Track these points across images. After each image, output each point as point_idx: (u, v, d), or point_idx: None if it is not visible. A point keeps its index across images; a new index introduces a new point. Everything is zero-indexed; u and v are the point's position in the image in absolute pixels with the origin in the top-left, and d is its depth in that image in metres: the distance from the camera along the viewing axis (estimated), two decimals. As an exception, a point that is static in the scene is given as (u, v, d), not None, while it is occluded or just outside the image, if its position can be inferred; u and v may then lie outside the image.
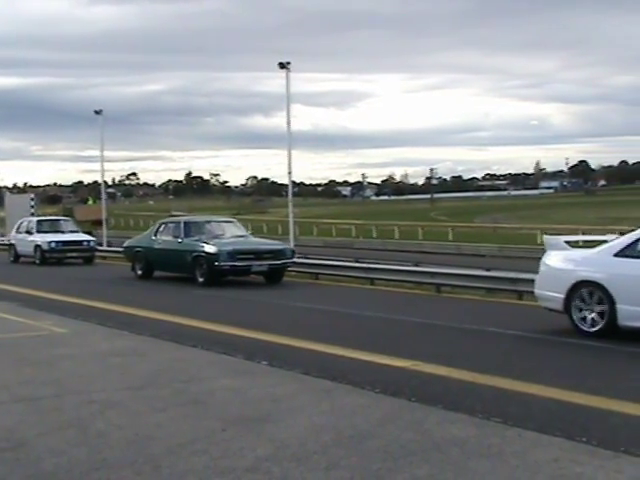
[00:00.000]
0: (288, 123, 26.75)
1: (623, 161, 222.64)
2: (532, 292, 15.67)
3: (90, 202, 59.15)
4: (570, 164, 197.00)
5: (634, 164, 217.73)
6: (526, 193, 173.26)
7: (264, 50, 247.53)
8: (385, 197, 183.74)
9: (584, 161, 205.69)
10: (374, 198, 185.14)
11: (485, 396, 7.31)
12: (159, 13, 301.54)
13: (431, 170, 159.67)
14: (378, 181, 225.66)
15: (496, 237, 40.12)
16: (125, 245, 23.19)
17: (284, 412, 6.66)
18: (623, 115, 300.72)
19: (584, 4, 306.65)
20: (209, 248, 18.83)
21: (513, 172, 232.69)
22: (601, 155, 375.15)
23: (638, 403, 6.93)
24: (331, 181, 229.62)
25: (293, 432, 6.02)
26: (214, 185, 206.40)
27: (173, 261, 19.99)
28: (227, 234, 20.36)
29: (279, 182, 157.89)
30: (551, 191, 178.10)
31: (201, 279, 18.73)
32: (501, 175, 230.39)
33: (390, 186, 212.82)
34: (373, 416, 6.51)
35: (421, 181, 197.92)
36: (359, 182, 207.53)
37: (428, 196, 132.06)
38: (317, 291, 17.92)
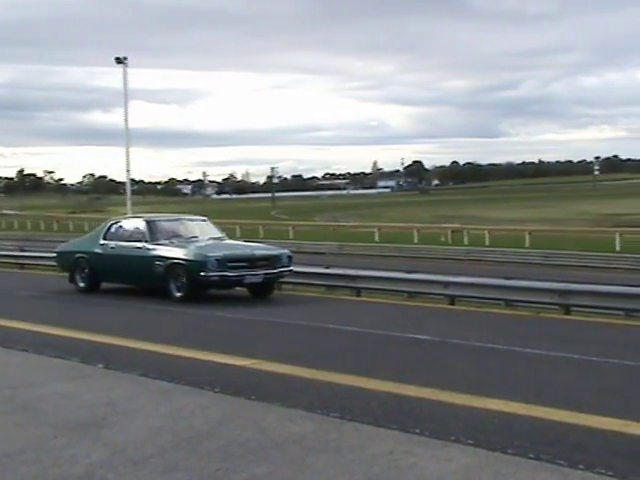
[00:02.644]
0: (126, 119, 26.24)
1: (454, 162, 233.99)
2: (370, 288, 16.18)
3: None
4: (405, 164, 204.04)
5: (464, 165, 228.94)
6: (364, 192, 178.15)
7: (103, 44, 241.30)
8: (226, 195, 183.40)
9: (419, 161, 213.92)
10: (215, 196, 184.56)
11: (324, 392, 7.41)
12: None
13: (272, 169, 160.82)
14: (219, 179, 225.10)
15: (336, 235, 40.89)
16: (59, 250, 18.89)
17: (120, 416, 6.47)
18: (455, 118, 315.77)
19: (422, 10, 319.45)
20: (191, 254, 15.22)
21: (352, 171, 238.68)
22: (434, 156, 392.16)
23: (467, 394, 7.24)
24: (171, 179, 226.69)
25: (130, 436, 5.86)
26: (48, 183, 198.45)
27: (135, 271, 16.03)
28: (202, 236, 16.58)
29: (118, 180, 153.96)
30: (388, 190, 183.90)
31: (178, 293, 15.01)
32: (340, 174, 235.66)
33: (231, 185, 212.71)
34: (212, 416, 6.44)
35: (262, 180, 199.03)
36: (200, 180, 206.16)
37: (269, 195, 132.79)
38: (155, 291, 17.51)
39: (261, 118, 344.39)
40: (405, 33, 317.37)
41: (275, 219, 67.90)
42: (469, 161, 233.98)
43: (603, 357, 9.14)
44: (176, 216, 18.71)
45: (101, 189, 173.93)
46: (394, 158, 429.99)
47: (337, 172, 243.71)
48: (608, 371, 8.54)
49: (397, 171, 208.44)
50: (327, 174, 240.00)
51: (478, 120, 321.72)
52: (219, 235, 17.09)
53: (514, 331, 11.62)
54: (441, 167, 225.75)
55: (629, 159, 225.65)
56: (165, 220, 17.35)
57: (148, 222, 16.48)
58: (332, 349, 10.17)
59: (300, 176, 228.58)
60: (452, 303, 14.82)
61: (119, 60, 25.93)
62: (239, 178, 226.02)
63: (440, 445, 5.60)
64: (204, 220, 18.13)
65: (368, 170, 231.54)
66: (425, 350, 10.00)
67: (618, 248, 33.55)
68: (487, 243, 36.61)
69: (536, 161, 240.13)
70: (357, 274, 16.50)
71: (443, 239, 39.30)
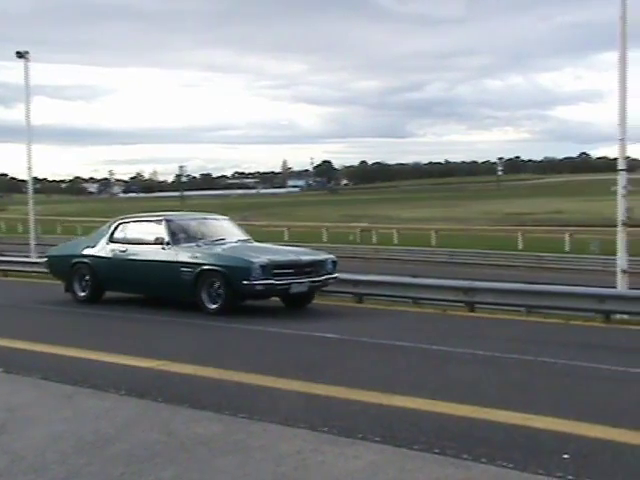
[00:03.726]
0: (27, 116, 25.44)
1: (363, 161, 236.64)
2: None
3: None
4: (315, 164, 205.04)
5: (373, 164, 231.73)
6: (274, 191, 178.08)
7: (4, 37, 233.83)
8: (133, 194, 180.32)
9: (328, 161, 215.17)
10: (122, 195, 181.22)
11: (232, 392, 7.36)
12: None
13: (181, 167, 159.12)
14: (126, 178, 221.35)
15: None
16: (51, 254, 16.68)
17: (21, 422, 6.27)
18: (364, 118, 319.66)
19: (332, 11, 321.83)
20: (230, 260, 13.28)
21: (262, 171, 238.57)
22: (344, 155, 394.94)
23: (375, 392, 7.31)
24: (77, 177, 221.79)
25: (30, 442, 5.68)
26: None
27: (155, 279, 13.96)
28: (229, 238, 14.71)
29: (19, 178, 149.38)
30: (297, 190, 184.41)
31: (213, 305, 13.10)
32: (250, 173, 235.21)
33: (139, 183, 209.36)
34: (117, 419, 6.31)
35: (171, 178, 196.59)
36: (106, 179, 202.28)
37: (178, 194, 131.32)
38: (54, 290, 17.01)
39: (170, 116, 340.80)
40: (316, 33, 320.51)
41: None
42: (377, 161, 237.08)
43: (505, 353, 9.38)
44: (197, 215, 16.68)
45: (2, 188, 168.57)
46: (304, 157, 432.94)
47: (247, 171, 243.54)
48: (510, 366, 8.76)
49: (307, 170, 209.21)
50: (236, 173, 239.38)
51: (387, 120, 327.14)
52: (246, 237, 15.25)
53: (421, 328, 11.81)
54: (350, 167, 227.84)
55: (530, 160, 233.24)
56: (187, 219, 15.36)
57: (168, 221, 14.38)
58: (240, 349, 10.11)
59: (209, 175, 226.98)
60: (361, 301, 14.96)
61: (20, 54, 25.04)
62: (146, 177, 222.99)
63: (348, 443, 5.63)
64: (226, 220, 16.16)
65: (278, 169, 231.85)
66: (334, 349, 10.05)
67: (520, 246, 34.57)
68: (395, 242, 37.18)
69: (443, 161, 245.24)
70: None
71: (352, 238, 39.69)
